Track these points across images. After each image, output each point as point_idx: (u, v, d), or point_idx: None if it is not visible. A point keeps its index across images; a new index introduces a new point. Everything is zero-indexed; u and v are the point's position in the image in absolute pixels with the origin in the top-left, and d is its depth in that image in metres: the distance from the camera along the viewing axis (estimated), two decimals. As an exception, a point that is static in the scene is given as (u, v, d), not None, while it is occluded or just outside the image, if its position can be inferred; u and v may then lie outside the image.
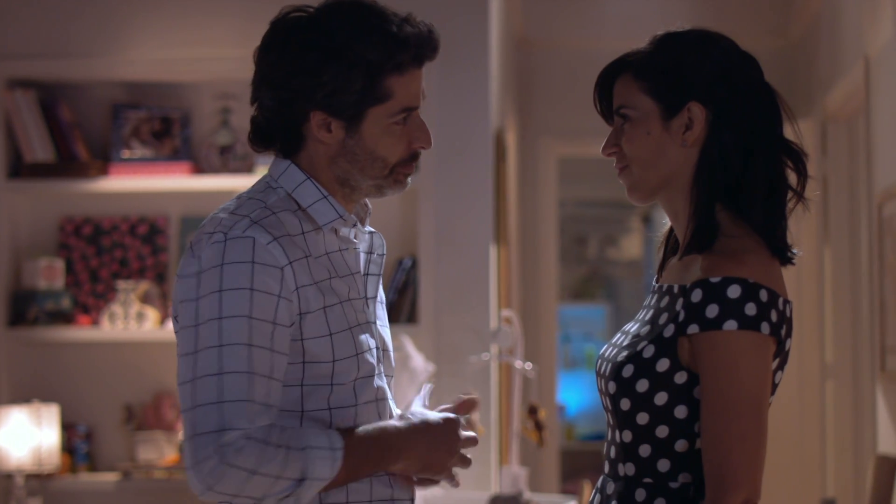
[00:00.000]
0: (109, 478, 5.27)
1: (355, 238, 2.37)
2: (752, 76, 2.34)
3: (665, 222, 2.47)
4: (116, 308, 5.29)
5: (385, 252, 2.45)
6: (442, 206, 5.26)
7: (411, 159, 2.34)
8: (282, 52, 2.29)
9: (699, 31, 2.37)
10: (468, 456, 2.35)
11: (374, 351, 2.33)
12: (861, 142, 6.09)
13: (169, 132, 5.44)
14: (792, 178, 2.34)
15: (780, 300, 2.22)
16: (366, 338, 2.31)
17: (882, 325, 5.22)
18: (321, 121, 2.28)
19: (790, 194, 2.33)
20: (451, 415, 2.33)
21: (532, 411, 5.08)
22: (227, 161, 5.44)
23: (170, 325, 5.29)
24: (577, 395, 10.81)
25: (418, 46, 2.28)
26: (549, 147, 7.89)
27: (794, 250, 2.31)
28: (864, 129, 5.81)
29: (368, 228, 2.43)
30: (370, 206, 2.42)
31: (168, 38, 5.39)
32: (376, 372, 2.33)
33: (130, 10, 5.40)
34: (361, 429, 2.23)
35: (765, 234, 2.28)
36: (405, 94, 2.29)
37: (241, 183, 5.29)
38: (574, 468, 9.86)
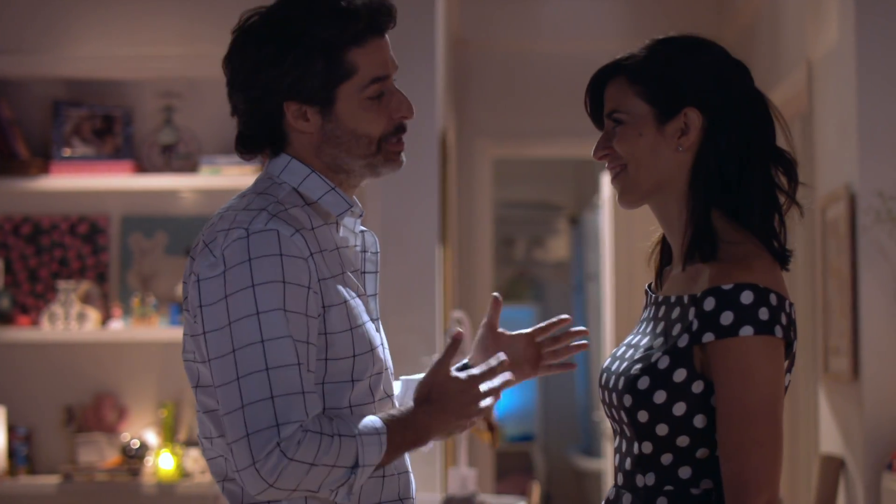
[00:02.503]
0: (50, 480, 5.18)
1: (353, 231, 2.38)
2: (745, 83, 2.35)
3: (654, 228, 2.47)
4: (56, 308, 5.21)
5: (378, 250, 2.45)
6: (388, 207, 5.24)
7: (396, 131, 2.34)
8: (242, 53, 2.29)
9: (693, 37, 2.38)
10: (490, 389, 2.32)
11: (381, 348, 2.33)
12: (799, 145, 6.14)
13: (111, 130, 5.37)
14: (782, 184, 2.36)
15: (787, 303, 2.23)
16: (376, 333, 2.31)
17: (825, 327, 5.26)
18: (295, 111, 2.28)
19: (783, 199, 2.33)
20: (464, 375, 2.28)
21: (484, 413, 5.06)
22: (169, 160, 5.38)
23: (112, 325, 5.23)
24: (505, 396, 10.77)
25: (371, 15, 2.28)
26: (485, 148, 7.86)
27: (790, 254, 2.33)
28: (802, 133, 5.85)
29: (361, 227, 2.43)
30: (361, 206, 2.41)
31: (110, 35, 5.32)
32: (385, 367, 2.33)
33: (72, 7, 5.32)
34: (396, 412, 2.23)
35: (764, 239, 2.29)
36: (370, 64, 2.29)
37: (184, 182, 5.24)
38: (503, 469, 9.87)
